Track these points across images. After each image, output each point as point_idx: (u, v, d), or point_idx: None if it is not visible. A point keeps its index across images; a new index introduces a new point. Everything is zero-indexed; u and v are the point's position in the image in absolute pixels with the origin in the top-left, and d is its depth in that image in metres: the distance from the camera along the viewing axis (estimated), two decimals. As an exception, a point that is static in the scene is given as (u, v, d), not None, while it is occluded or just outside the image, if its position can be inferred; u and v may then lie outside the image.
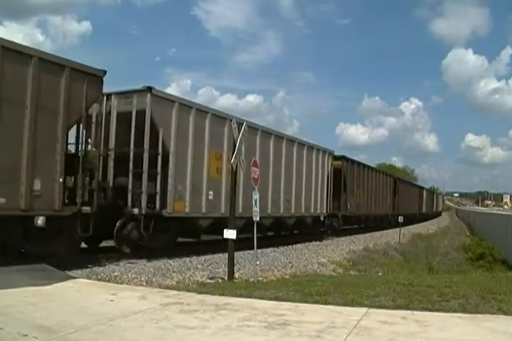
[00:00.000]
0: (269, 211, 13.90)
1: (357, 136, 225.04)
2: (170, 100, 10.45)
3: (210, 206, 11.32)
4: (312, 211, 16.89)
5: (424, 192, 47.67)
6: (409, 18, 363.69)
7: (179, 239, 12.17)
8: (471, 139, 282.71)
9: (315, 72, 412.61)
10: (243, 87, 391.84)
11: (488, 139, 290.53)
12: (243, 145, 8.41)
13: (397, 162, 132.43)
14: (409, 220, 34.74)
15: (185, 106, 10.81)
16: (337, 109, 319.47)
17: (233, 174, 8.29)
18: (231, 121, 8.66)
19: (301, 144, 16.14)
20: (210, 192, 11.33)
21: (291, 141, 15.43)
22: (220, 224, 10.52)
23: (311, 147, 16.87)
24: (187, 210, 10.72)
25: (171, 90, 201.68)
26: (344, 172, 20.51)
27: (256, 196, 8.13)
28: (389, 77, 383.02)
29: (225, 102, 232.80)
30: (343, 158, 20.79)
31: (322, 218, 17.99)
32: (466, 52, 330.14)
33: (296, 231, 17.47)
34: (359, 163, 23.51)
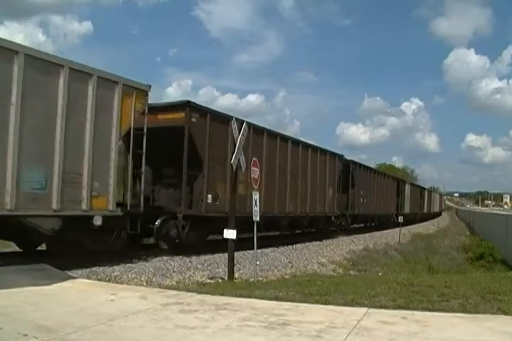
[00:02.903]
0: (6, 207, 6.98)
1: (358, 136, 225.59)
2: None
3: None
4: (84, 206, 8.14)
5: (407, 188, 35.95)
6: (411, 18, 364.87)
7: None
8: (472, 139, 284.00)
9: (316, 72, 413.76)
10: (244, 87, 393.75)
11: (489, 139, 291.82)
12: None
13: (398, 162, 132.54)
14: (383, 224, 28.28)
15: None
16: (338, 109, 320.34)
17: (233, 174, 8.30)
18: None
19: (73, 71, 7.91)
20: None
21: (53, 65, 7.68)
22: None
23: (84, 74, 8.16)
24: None
25: (172, 90, 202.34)
26: (193, 136, 10.52)
27: (256, 196, 8.15)
28: (390, 77, 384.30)
29: (225, 102, 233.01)
30: (187, 105, 10.47)
31: (98, 222, 8.37)
32: (467, 52, 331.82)
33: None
34: (256, 128, 12.90)
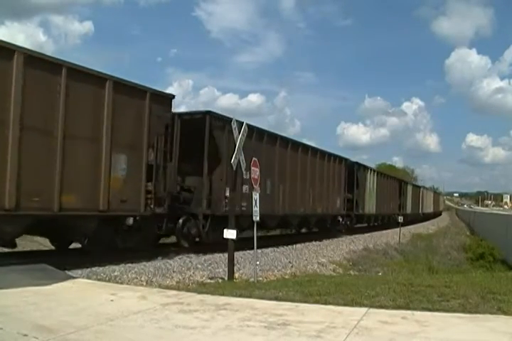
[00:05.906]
0: None
1: (358, 136, 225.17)
2: None
3: None
4: None
5: (370, 178, 24.68)
6: (412, 18, 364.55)
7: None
8: (473, 139, 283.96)
9: (316, 72, 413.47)
10: (245, 87, 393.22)
11: (489, 139, 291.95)
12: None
13: (398, 162, 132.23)
14: (322, 230, 18.99)
15: None
16: (338, 109, 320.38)
17: (233, 174, 8.31)
18: None
19: None
20: None
21: None
22: None
23: None
24: None
25: (173, 90, 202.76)
26: None
27: (256, 196, 8.15)
28: (391, 77, 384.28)
29: (226, 102, 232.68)
30: None
31: None
32: (469, 52, 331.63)
33: None
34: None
